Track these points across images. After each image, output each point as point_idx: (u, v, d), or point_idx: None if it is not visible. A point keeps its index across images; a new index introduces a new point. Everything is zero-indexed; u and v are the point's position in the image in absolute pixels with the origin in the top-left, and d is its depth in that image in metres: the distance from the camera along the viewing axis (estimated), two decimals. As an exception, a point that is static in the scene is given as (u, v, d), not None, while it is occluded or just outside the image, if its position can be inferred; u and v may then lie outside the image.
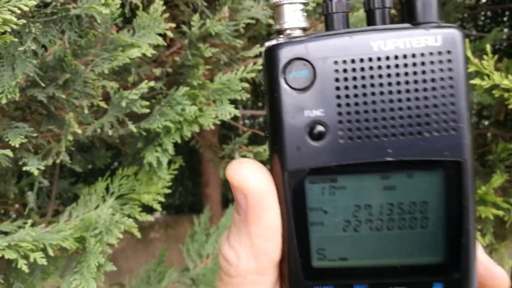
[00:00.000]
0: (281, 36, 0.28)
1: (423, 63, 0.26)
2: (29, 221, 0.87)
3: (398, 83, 0.26)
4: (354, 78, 0.26)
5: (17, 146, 0.86)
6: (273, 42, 0.28)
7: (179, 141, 0.97)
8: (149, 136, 1.01)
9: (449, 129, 0.26)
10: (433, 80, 0.26)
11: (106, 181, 1.09)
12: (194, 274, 1.37)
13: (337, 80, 0.26)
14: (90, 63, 0.96)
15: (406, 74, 0.26)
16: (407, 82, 0.26)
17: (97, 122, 0.96)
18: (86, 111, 0.94)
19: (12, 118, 0.97)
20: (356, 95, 0.26)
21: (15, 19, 0.63)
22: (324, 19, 0.29)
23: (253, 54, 1.10)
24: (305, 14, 0.29)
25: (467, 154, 0.26)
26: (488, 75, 0.98)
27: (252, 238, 0.27)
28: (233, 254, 0.28)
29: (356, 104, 0.26)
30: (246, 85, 1.01)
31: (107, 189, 1.11)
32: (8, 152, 0.80)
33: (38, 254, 0.83)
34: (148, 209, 1.13)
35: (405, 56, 0.26)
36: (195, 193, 2.83)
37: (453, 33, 0.26)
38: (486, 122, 2.61)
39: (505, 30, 1.55)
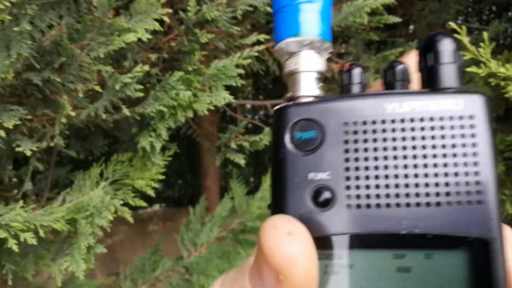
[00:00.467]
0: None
1: (442, 127, 0.24)
2: (20, 202, 0.87)
3: (414, 147, 0.24)
4: (365, 141, 0.24)
5: (11, 127, 0.87)
6: (283, 104, 0.26)
7: (173, 126, 0.97)
8: (144, 121, 1.01)
9: (474, 201, 0.23)
10: (453, 146, 0.23)
11: (100, 166, 1.10)
12: (188, 263, 1.37)
13: (346, 142, 0.24)
14: (86, 47, 0.96)
15: (423, 138, 0.24)
16: (423, 147, 0.24)
17: (92, 106, 0.96)
18: (80, 94, 0.94)
19: (9, 102, 0.98)
20: (366, 159, 0.24)
21: (6, -4, 0.63)
22: (341, 91, 0.27)
23: (251, 42, 1.10)
24: (320, 83, 0.28)
25: (495, 231, 0.23)
26: (484, 63, 0.98)
27: None
28: None
29: (367, 168, 0.24)
30: (242, 71, 1.01)
31: (101, 175, 1.11)
32: (1, 133, 0.81)
33: (28, 234, 0.83)
34: (148, 200, 1.13)
35: (422, 119, 0.24)
36: (195, 185, 2.84)
37: (476, 97, 0.24)
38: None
39: (504, 24, 1.54)
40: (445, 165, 0.23)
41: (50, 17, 0.93)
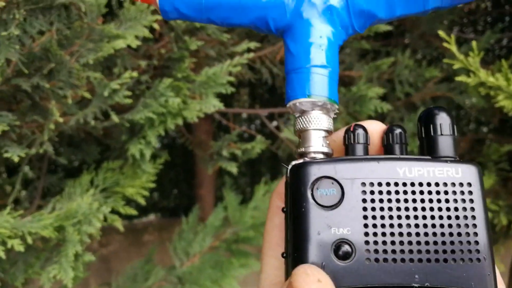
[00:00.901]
0: (306, 158, 0.29)
1: (446, 192, 0.27)
2: (8, 209, 0.86)
3: (423, 208, 0.27)
4: (381, 200, 0.27)
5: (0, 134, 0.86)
6: (300, 161, 0.29)
7: (162, 133, 0.96)
8: (134, 129, 1.01)
9: (474, 259, 0.26)
10: (456, 209, 0.27)
11: (91, 174, 1.09)
12: (181, 272, 1.36)
13: (364, 201, 0.27)
14: (75, 53, 0.96)
15: (431, 201, 0.27)
16: (431, 209, 0.27)
17: (81, 112, 0.96)
18: (70, 101, 0.94)
19: (-2, 108, 0.98)
20: (382, 217, 0.27)
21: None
22: (345, 148, 0.30)
23: (242, 50, 1.10)
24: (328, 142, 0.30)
25: (492, 285, 0.26)
26: (474, 72, 0.98)
27: None
28: None
29: (383, 225, 0.26)
30: (232, 79, 1.01)
31: (92, 182, 1.11)
32: (-12, 138, 0.80)
33: (16, 241, 0.82)
34: (143, 210, 1.12)
35: (429, 184, 0.27)
36: (190, 195, 2.82)
37: (472, 167, 0.28)
38: (485, 129, 2.61)
39: (497, 34, 1.54)
40: (450, 225, 0.27)
41: (40, 23, 0.93)
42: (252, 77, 1.42)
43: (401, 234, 0.26)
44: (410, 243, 0.26)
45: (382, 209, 0.27)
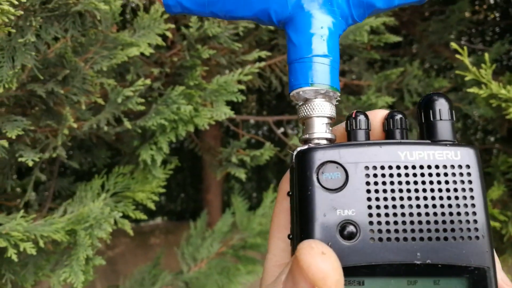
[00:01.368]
0: (310, 144, 0.30)
1: (445, 174, 0.28)
2: (21, 212, 0.88)
3: (424, 190, 0.28)
4: (384, 183, 0.28)
5: (14, 138, 0.88)
6: (305, 147, 0.30)
7: (174, 140, 0.98)
8: (145, 135, 1.02)
9: (473, 237, 0.27)
10: (455, 190, 0.28)
11: (102, 178, 1.10)
12: (188, 277, 1.37)
13: (367, 183, 0.28)
14: (89, 60, 0.98)
15: (431, 182, 0.28)
16: (432, 190, 0.28)
17: (94, 118, 0.97)
18: (83, 107, 0.96)
19: (13, 113, 0.99)
20: (385, 199, 0.28)
21: (12, 10, 0.64)
22: (347, 134, 0.31)
23: (252, 58, 1.12)
24: (331, 128, 0.31)
25: (490, 261, 0.27)
26: (485, 84, 0.98)
27: None
28: None
29: (386, 207, 0.28)
30: (243, 87, 1.02)
31: (103, 186, 1.12)
32: (4, 143, 0.82)
33: (28, 244, 0.84)
34: (150, 213, 1.13)
35: (429, 167, 0.28)
36: (197, 199, 2.84)
37: (471, 150, 0.29)
38: (492, 138, 2.60)
39: (506, 45, 1.55)
40: (450, 205, 0.28)
41: (56, 30, 0.95)
42: (262, 84, 1.43)
43: (403, 214, 0.27)
44: (412, 222, 0.27)
45: (385, 191, 0.28)
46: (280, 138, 1.62)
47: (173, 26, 0.99)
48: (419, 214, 0.27)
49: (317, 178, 0.28)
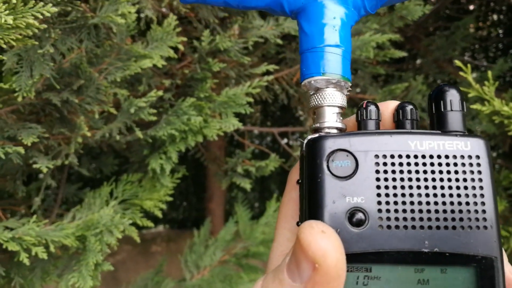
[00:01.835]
0: (321, 133, 0.31)
1: (455, 164, 0.28)
2: (34, 217, 0.90)
3: (434, 179, 0.28)
4: (393, 172, 0.28)
5: (29, 145, 0.91)
6: (316, 135, 0.30)
7: (183, 150, 1.00)
8: (155, 144, 1.05)
9: (481, 226, 0.28)
10: (464, 180, 0.28)
11: (111, 186, 1.13)
12: (191, 285, 1.38)
13: (377, 172, 0.28)
14: (104, 71, 1.01)
15: (441, 172, 0.28)
16: (441, 179, 0.28)
17: (106, 127, 1.00)
18: (96, 116, 0.98)
19: (27, 120, 1.02)
20: (395, 187, 0.28)
21: (37, 23, 0.67)
22: (358, 124, 0.31)
23: (261, 72, 1.15)
24: (341, 117, 0.32)
25: (497, 251, 0.27)
26: (488, 101, 1.01)
27: None
28: None
29: (395, 195, 0.28)
30: (251, 99, 1.05)
31: (111, 193, 1.14)
32: (20, 149, 0.84)
33: (39, 248, 0.86)
34: (152, 220, 1.15)
35: (439, 156, 0.29)
36: (200, 208, 2.85)
37: (480, 141, 0.29)
38: (495, 154, 2.62)
39: (510, 62, 1.57)
40: (459, 195, 0.28)
41: (71, 41, 0.98)
42: (268, 96, 1.46)
43: (412, 202, 0.28)
44: (420, 211, 0.27)
45: (394, 179, 0.28)
46: (284, 149, 1.64)
47: (185, 39, 1.02)
48: (427, 203, 0.28)
49: (327, 166, 0.28)
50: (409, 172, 0.28)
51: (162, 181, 1.07)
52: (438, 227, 0.27)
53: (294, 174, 0.33)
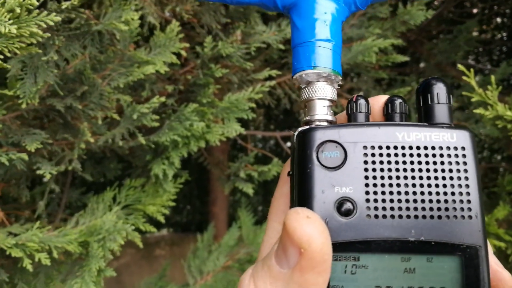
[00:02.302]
0: (311, 125, 0.31)
1: (441, 155, 0.29)
2: (37, 223, 0.91)
3: (420, 170, 0.29)
4: (381, 162, 0.29)
5: (33, 151, 0.91)
6: (306, 127, 0.31)
7: (185, 155, 1.00)
8: (158, 149, 1.05)
9: (466, 216, 0.28)
10: (450, 170, 0.29)
11: (114, 191, 1.13)
12: (194, 290, 1.38)
13: (365, 162, 0.29)
14: (107, 77, 1.02)
15: (427, 163, 0.29)
16: (428, 170, 0.29)
17: (109, 133, 1.00)
18: (100, 121, 0.99)
19: (31, 125, 1.03)
20: (382, 177, 0.29)
21: (41, 32, 0.68)
22: (348, 117, 0.32)
23: (263, 77, 1.15)
24: (332, 110, 0.33)
25: (482, 241, 0.28)
26: (491, 105, 1.01)
27: None
28: None
29: (383, 185, 0.28)
30: (253, 105, 1.05)
31: (114, 199, 1.15)
32: (24, 156, 0.85)
33: (43, 254, 0.86)
34: (156, 224, 1.16)
35: (426, 148, 0.29)
36: (203, 212, 2.86)
37: (466, 133, 0.30)
38: (499, 157, 2.61)
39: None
40: (444, 185, 0.29)
41: (75, 47, 0.99)
42: (270, 101, 1.46)
43: (399, 192, 0.28)
44: (407, 201, 0.28)
45: (382, 170, 0.29)
46: (287, 153, 1.64)
47: (187, 45, 1.03)
48: (414, 193, 0.28)
49: (317, 157, 0.29)
50: (397, 163, 0.29)
51: (164, 187, 1.07)
52: (424, 217, 0.28)
53: (286, 169, 0.33)
